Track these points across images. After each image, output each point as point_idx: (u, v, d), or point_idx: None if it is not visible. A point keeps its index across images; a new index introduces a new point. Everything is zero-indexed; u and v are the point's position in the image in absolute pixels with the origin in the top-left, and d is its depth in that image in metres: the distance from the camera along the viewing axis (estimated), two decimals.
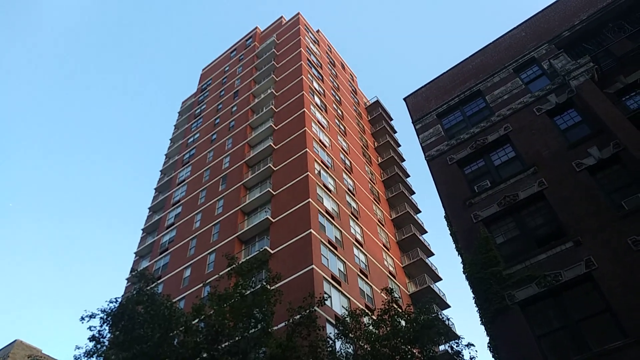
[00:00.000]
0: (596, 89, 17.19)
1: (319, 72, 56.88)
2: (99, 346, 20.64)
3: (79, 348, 20.69)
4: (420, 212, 53.75)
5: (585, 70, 17.91)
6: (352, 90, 66.72)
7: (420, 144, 22.53)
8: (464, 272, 16.28)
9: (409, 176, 58.14)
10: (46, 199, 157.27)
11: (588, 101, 17.02)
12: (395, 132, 65.02)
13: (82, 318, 20.69)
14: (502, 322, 14.35)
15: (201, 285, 33.19)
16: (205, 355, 19.35)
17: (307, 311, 20.39)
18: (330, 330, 25.04)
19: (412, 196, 54.58)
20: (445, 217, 18.93)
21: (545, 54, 20.82)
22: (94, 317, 20.79)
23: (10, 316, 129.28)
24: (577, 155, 16.45)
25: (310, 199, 35.80)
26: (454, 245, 17.88)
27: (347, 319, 21.48)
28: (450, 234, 18.22)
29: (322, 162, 42.09)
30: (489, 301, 14.85)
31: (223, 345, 19.84)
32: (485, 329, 14.72)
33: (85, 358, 20.43)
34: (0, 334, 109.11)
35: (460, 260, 16.84)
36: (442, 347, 21.06)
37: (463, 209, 18.09)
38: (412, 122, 24.01)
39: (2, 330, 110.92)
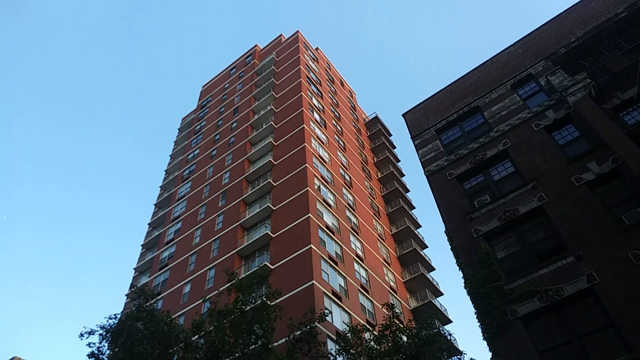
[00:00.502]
0: (594, 105, 17.37)
1: (318, 89, 57.35)
2: None
3: None
4: (420, 227, 53.76)
5: (582, 87, 18.11)
6: (351, 106, 67.20)
7: (420, 160, 22.65)
8: (465, 287, 16.23)
9: (408, 191, 58.30)
10: (46, 214, 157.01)
11: (586, 117, 17.19)
12: (394, 147, 65.34)
13: (81, 334, 20.57)
14: (505, 337, 14.29)
15: (201, 301, 33.00)
16: None
17: (308, 327, 20.27)
18: (331, 346, 24.88)
19: (412, 211, 54.61)
20: (445, 232, 18.96)
21: (542, 70, 21.06)
22: (93, 334, 20.66)
23: (8, 333, 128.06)
24: (576, 170, 16.56)
25: (310, 214, 35.83)
26: (454, 260, 17.88)
27: (348, 334, 21.34)
28: (451, 249, 18.22)
29: (321, 177, 42.21)
30: (491, 316, 14.81)
31: None
32: (488, 344, 14.64)
33: None
34: None
35: (462, 275, 16.83)
36: None
37: (463, 224, 18.13)
38: (411, 138, 24.16)
39: (0, 347, 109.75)
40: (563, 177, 16.67)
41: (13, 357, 39.15)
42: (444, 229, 19.07)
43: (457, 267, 17.38)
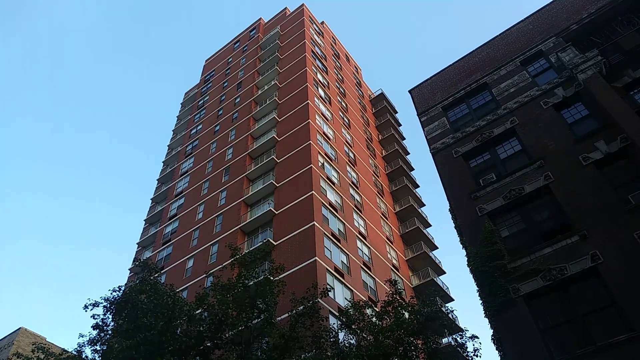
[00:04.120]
0: (604, 83, 17.07)
1: (323, 64, 56.64)
2: (102, 334, 20.74)
3: (82, 336, 20.79)
4: (424, 205, 53.66)
5: (593, 64, 17.77)
6: (357, 82, 66.47)
7: (426, 137, 22.45)
8: (468, 265, 16.23)
9: (413, 169, 58.01)
10: (50, 184, 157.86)
11: (595, 95, 16.91)
12: (399, 125, 64.84)
13: (86, 306, 20.75)
14: (507, 315, 14.33)
15: (204, 275, 33.25)
16: (208, 344, 19.39)
17: (310, 302, 20.37)
18: (333, 322, 25.07)
19: (416, 189, 54.48)
20: (450, 210, 18.87)
21: (552, 47, 20.66)
22: (98, 306, 20.85)
23: (14, 306, 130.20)
24: (584, 149, 16.36)
25: (313, 192, 35.76)
26: (458, 238, 17.83)
27: (350, 310, 21.47)
28: (455, 227, 18.16)
29: (325, 154, 42.01)
30: (493, 294, 14.83)
31: (226, 335, 19.88)
32: (490, 321, 14.70)
33: (89, 346, 20.53)
34: (5, 322, 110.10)
35: (465, 253, 16.80)
36: (445, 340, 21.04)
37: (468, 202, 18.04)
38: (417, 115, 23.91)
39: (6, 318, 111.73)
40: (570, 156, 16.49)
41: (19, 328, 39.79)
42: (449, 207, 19.00)
43: (461, 246, 17.33)
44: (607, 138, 16.05)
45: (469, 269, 16.15)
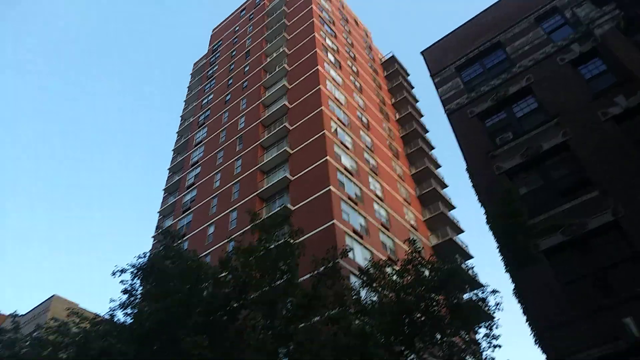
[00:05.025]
0: (622, 37, 16.82)
1: (331, 29, 55.85)
2: (132, 299, 21.56)
3: (113, 301, 21.62)
4: (440, 166, 53.65)
5: (610, 18, 17.46)
6: (367, 46, 65.52)
7: (440, 98, 22.37)
8: (487, 224, 16.37)
9: (427, 131, 57.71)
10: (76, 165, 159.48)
11: (613, 49, 16.68)
12: (412, 87, 64.14)
13: (114, 273, 21.44)
14: (528, 271, 14.52)
15: (226, 240, 34.04)
16: (235, 305, 20.06)
17: (331, 263, 20.77)
18: (354, 281, 25.70)
19: (432, 151, 54.39)
20: (467, 170, 18.97)
21: (567, 2, 20.24)
22: (125, 272, 21.59)
23: (47, 275, 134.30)
24: (603, 104, 16.26)
25: (328, 157, 36.02)
26: (476, 197, 18.00)
27: (370, 269, 21.92)
28: (473, 187, 18.27)
29: (338, 119, 42.01)
30: (513, 251, 14.97)
31: (251, 297, 20.52)
32: (511, 276, 14.88)
33: (120, 310, 21.39)
34: (36, 291, 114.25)
35: (484, 212, 16.95)
36: (466, 295, 21.44)
37: (485, 162, 18.10)
38: (431, 76, 23.75)
39: (38, 286, 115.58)
40: (589, 112, 16.41)
41: (53, 295, 41.38)
42: (466, 167, 19.11)
43: (479, 204, 17.46)
44: (627, 93, 15.89)
45: (488, 226, 16.36)
